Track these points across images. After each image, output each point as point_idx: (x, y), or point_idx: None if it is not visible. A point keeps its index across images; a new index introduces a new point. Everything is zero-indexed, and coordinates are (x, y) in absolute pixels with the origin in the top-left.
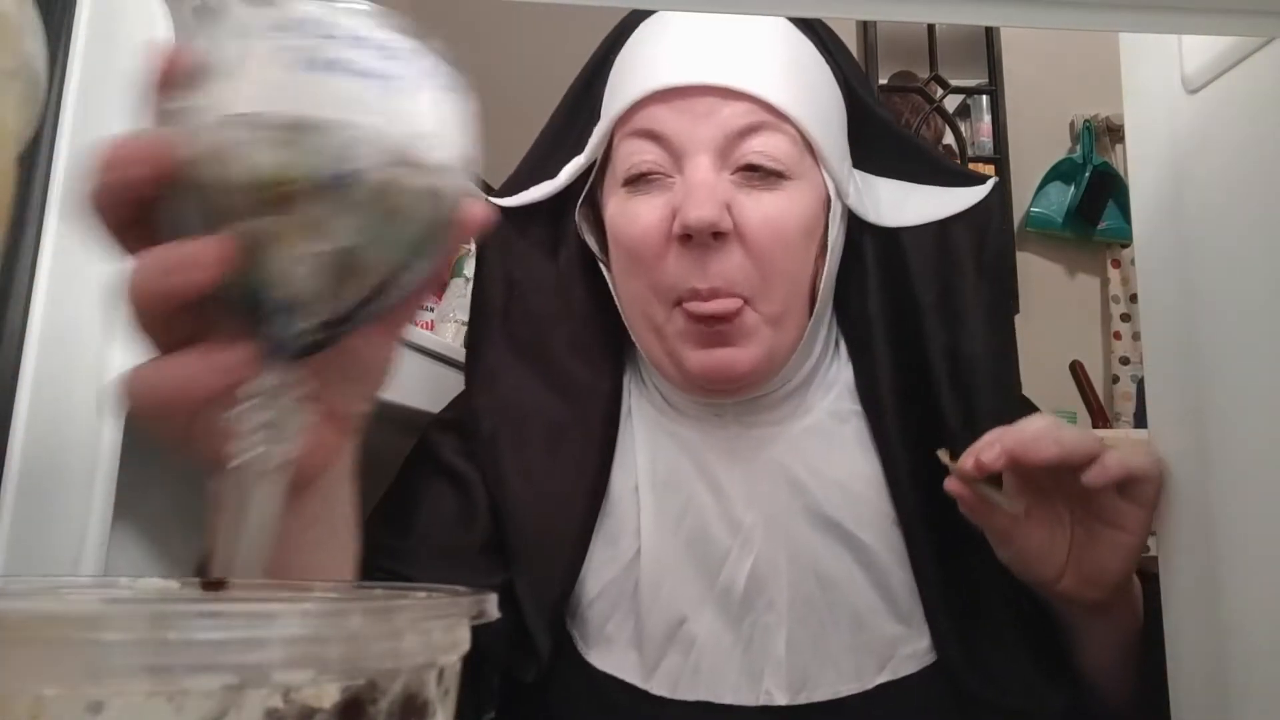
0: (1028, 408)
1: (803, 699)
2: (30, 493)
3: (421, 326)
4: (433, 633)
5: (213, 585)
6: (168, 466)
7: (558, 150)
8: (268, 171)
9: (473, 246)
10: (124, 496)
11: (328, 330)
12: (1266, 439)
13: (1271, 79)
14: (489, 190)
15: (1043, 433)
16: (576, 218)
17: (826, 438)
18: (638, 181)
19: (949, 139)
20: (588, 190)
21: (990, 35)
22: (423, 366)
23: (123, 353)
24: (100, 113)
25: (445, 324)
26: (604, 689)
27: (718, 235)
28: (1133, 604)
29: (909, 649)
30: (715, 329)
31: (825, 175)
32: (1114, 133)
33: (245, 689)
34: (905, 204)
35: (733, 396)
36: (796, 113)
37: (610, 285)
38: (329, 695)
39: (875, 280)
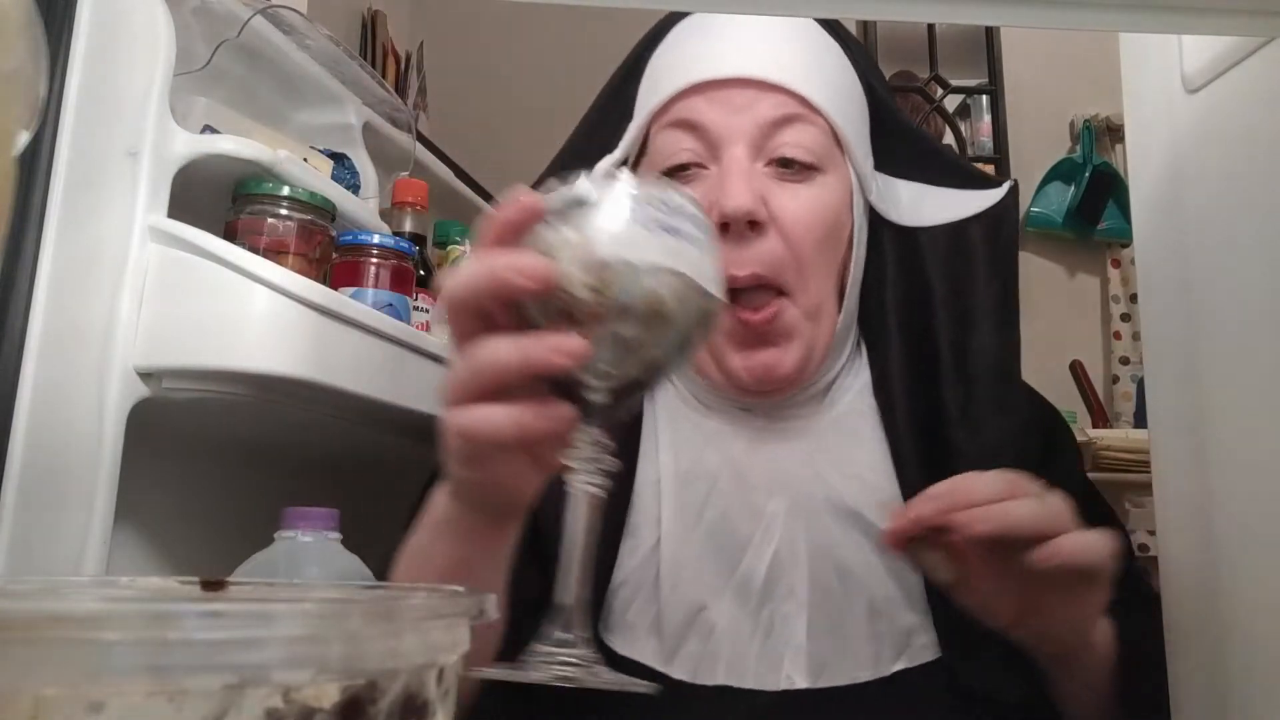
0: (1033, 399)
1: (823, 683)
2: (32, 493)
3: (418, 328)
4: (433, 633)
5: (213, 585)
6: (168, 467)
7: (590, 149)
8: (637, 297)
9: (467, 247)
10: (125, 496)
11: (617, 398)
12: (1266, 438)
13: (1271, 79)
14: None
15: (991, 506)
16: None
17: (849, 432)
18: (675, 173)
19: (949, 139)
20: None
21: (990, 35)
22: (419, 367)
23: (123, 353)
24: (100, 113)
25: (441, 325)
26: (625, 672)
27: (754, 225)
28: (1097, 653)
29: (925, 638)
30: (759, 331)
31: (851, 170)
32: (1114, 133)
33: (245, 689)
34: (923, 204)
35: (769, 398)
36: (828, 106)
37: None
38: (329, 695)
39: (892, 277)
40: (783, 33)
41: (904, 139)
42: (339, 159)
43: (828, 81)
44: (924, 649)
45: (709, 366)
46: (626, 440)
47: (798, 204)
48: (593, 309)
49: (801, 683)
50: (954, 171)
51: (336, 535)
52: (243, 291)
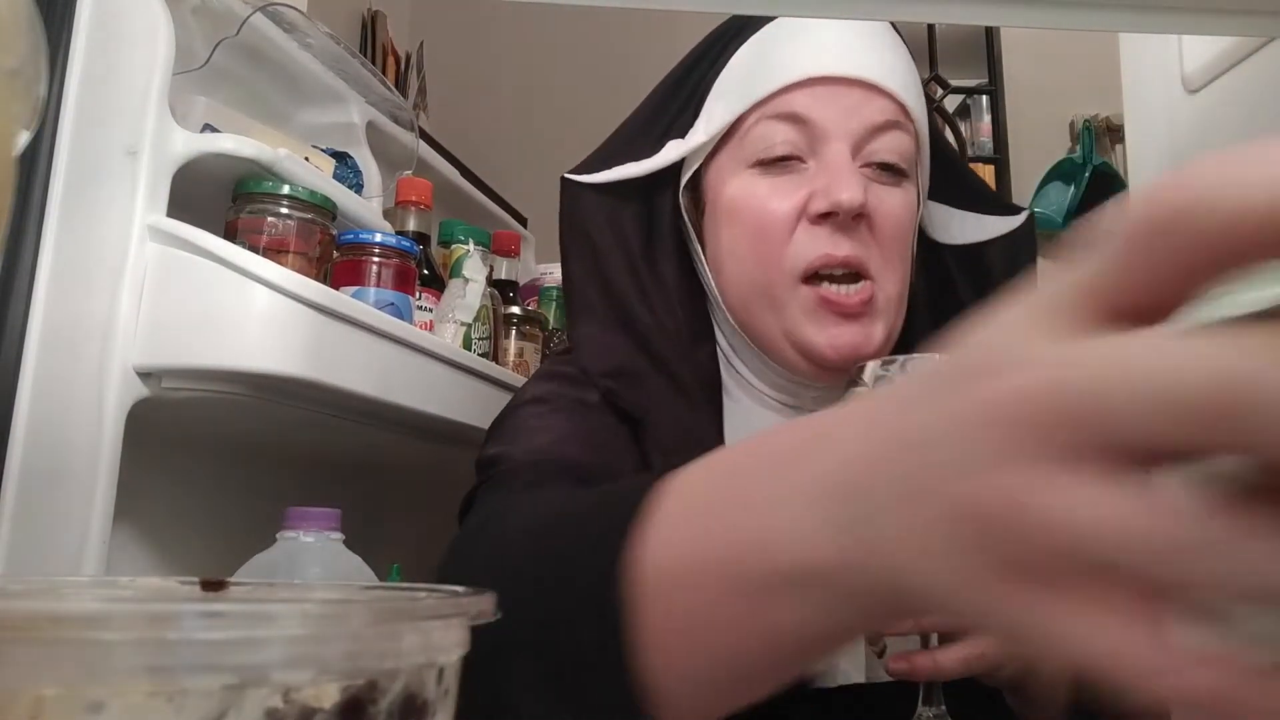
0: None
1: (871, 679)
2: (32, 493)
3: (422, 327)
4: (433, 633)
5: (213, 585)
6: (168, 467)
7: (649, 132)
8: None
9: (471, 246)
10: (125, 496)
11: None
12: None
13: (1271, 79)
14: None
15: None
16: (681, 198)
17: None
18: (772, 164)
19: (948, 139)
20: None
21: (990, 35)
22: (422, 367)
23: (122, 353)
24: (100, 112)
25: (445, 324)
26: None
27: (856, 217)
28: None
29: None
30: (850, 311)
31: (919, 182)
32: (1114, 133)
33: (245, 689)
34: (951, 225)
35: (840, 379)
36: (920, 118)
37: (702, 265)
38: (329, 695)
39: (925, 287)
40: (884, 39)
41: (943, 159)
42: (341, 158)
43: (916, 93)
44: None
45: (781, 344)
46: (711, 416)
47: (890, 205)
48: None
49: (856, 677)
50: (979, 196)
51: (338, 535)
52: (242, 291)
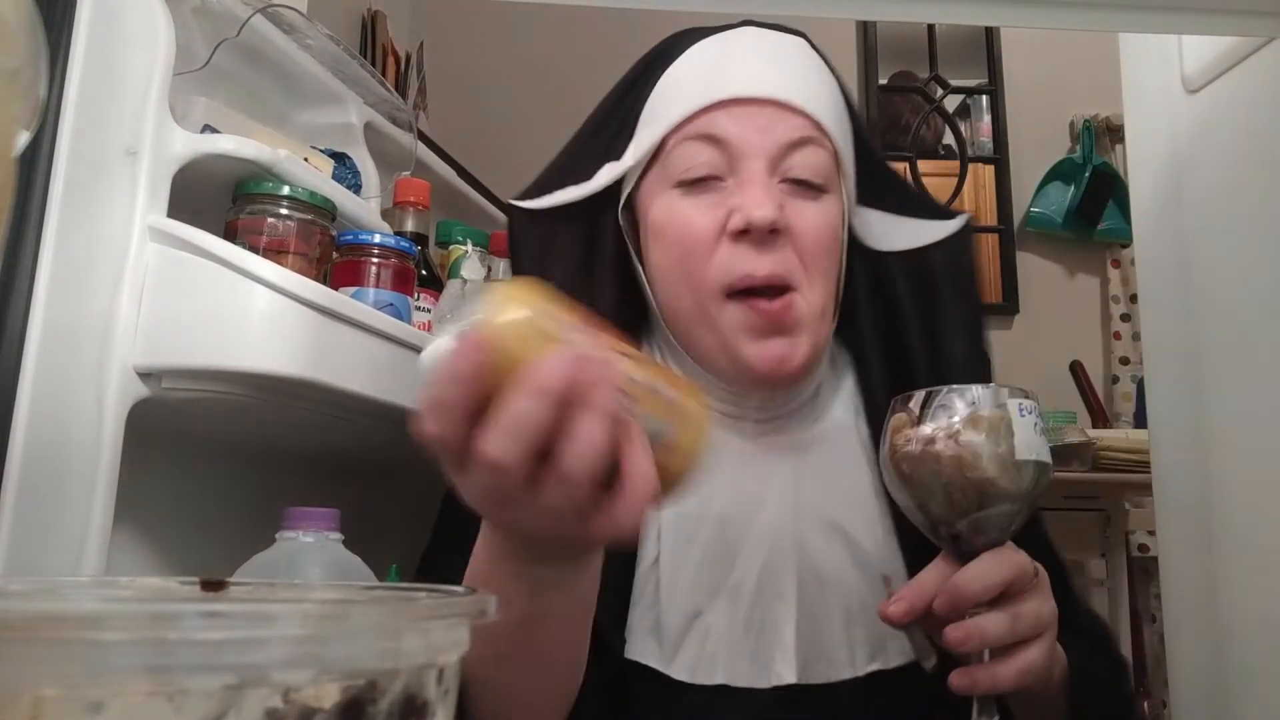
0: None
1: (808, 680)
2: (32, 492)
3: (420, 328)
4: (433, 633)
5: (213, 585)
6: (168, 467)
7: (587, 156)
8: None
9: (469, 247)
10: (125, 496)
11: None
12: (1266, 439)
13: (1271, 79)
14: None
15: (970, 626)
16: (620, 219)
17: (833, 446)
18: (693, 184)
19: (949, 139)
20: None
21: (990, 35)
22: (414, 366)
23: (122, 353)
24: (100, 112)
25: (443, 324)
26: (628, 674)
27: (773, 233)
28: (1053, 689)
29: (897, 644)
30: (775, 321)
31: (844, 194)
32: (1114, 133)
33: (245, 689)
34: (890, 232)
35: (773, 390)
36: (836, 132)
37: (645, 285)
38: (329, 695)
39: (865, 297)
40: (797, 60)
41: (876, 170)
42: (340, 158)
43: (834, 109)
44: (896, 654)
45: (718, 359)
46: None
47: (808, 219)
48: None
49: (790, 679)
50: (915, 203)
51: (338, 535)
52: (242, 291)
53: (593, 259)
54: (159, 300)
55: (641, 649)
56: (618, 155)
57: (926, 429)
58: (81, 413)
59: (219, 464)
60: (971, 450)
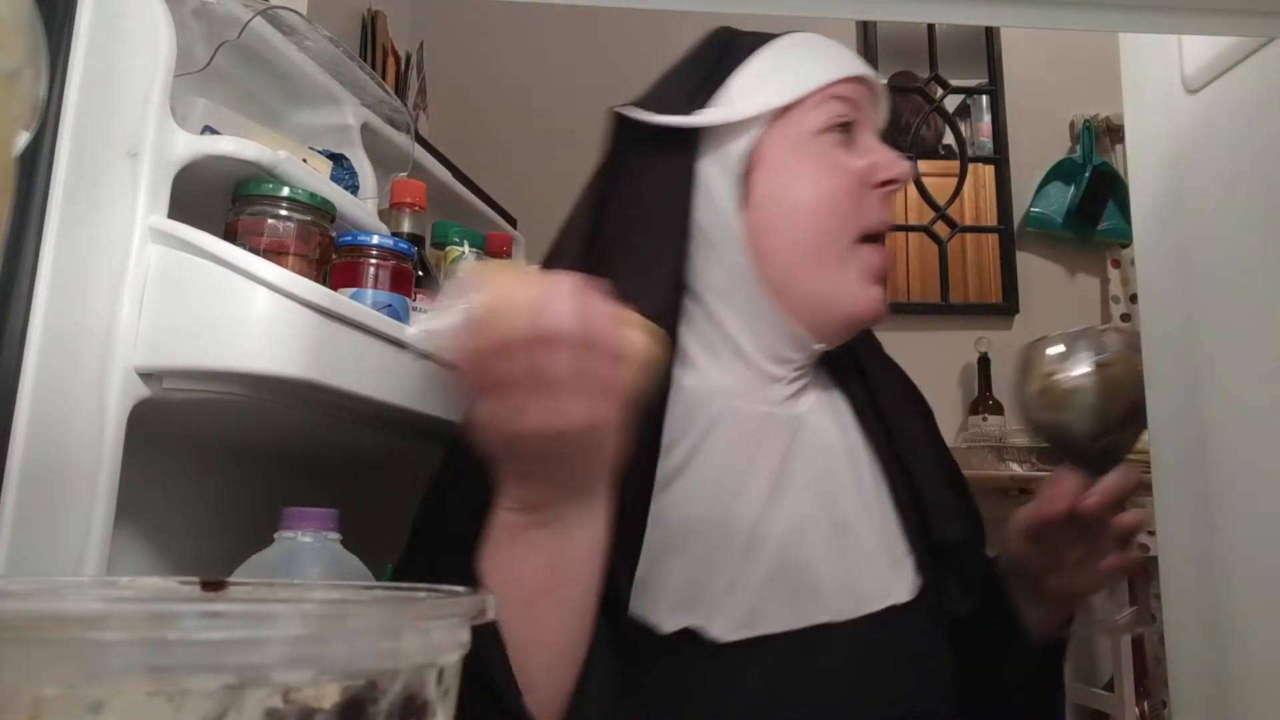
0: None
1: (842, 617)
2: (32, 493)
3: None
4: (433, 633)
5: (213, 585)
6: (169, 467)
7: (673, 104)
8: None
9: (466, 248)
10: (126, 496)
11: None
12: (1266, 439)
13: (1271, 79)
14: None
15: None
16: (749, 161)
17: (830, 407)
18: (837, 131)
19: (949, 139)
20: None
21: (990, 35)
22: (418, 367)
23: (123, 354)
24: (100, 113)
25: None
26: (672, 640)
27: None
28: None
29: (904, 581)
30: (882, 269)
31: None
32: (1114, 133)
33: (245, 689)
34: None
35: (847, 338)
36: None
37: (740, 230)
38: (329, 695)
39: None
40: None
41: None
42: (338, 159)
43: None
44: (904, 589)
45: (828, 302)
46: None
47: None
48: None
49: (821, 618)
50: None
51: (336, 536)
52: (243, 292)
53: (657, 199)
54: (160, 301)
55: (675, 615)
56: (698, 107)
57: (1078, 366)
58: (82, 413)
59: (219, 464)
60: (1118, 379)
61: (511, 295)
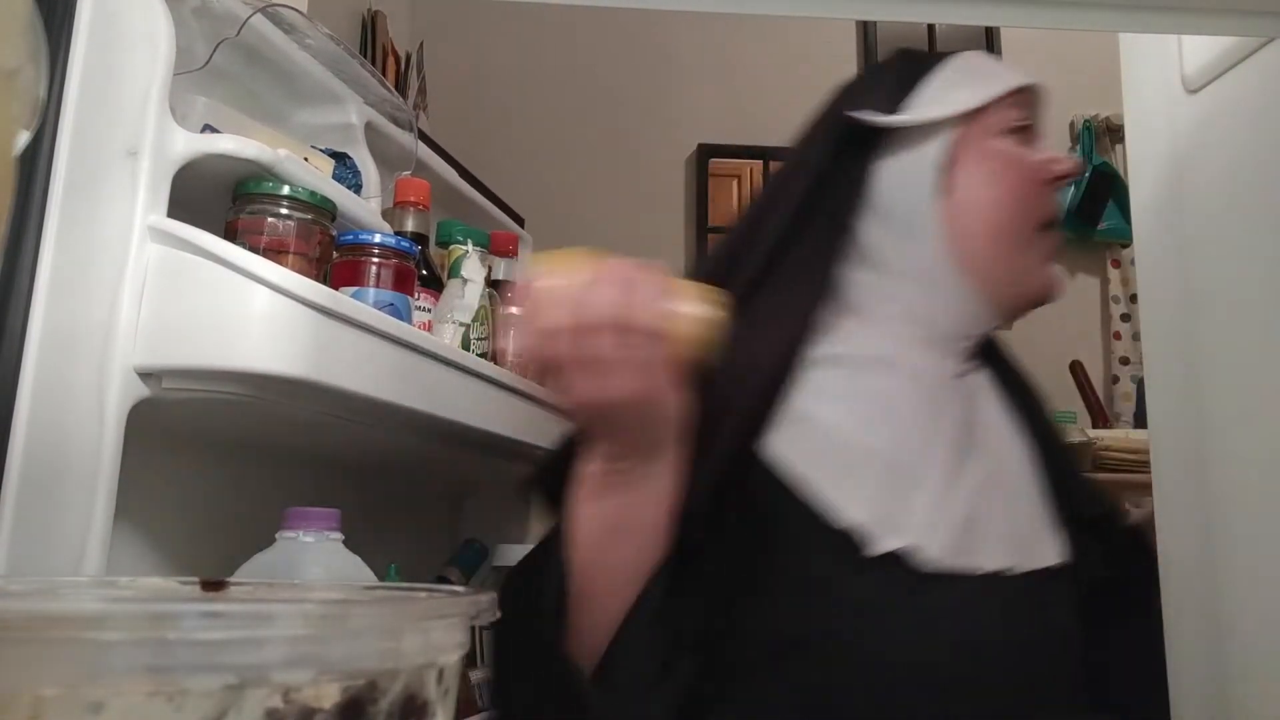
0: None
1: (1017, 569)
2: (32, 493)
3: (420, 328)
4: (433, 633)
5: (213, 585)
6: (169, 466)
7: (873, 106)
8: None
9: (469, 246)
10: (126, 496)
11: None
12: (1266, 439)
13: (1271, 79)
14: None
15: None
16: (949, 155)
17: (986, 385)
18: (1021, 135)
19: None
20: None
21: (990, 35)
22: (421, 367)
23: (122, 353)
24: (100, 113)
25: (444, 325)
26: (879, 566)
27: None
28: None
29: (1055, 546)
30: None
31: None
32: (1114, 133)
33: (245, 689)
34: None
35: (1023, 316)
36: None
37: (938, 216)
38: (329, 695)
39: None
40: None
41: None
42: (340, 158)
43: None
44: (1053, 554)
45: (1020, 283)
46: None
47: None
48: None
49: (989, 566)
50: None
51: (338, 535)
52: (243, 291)
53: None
54: (159, 300)
55: (884, 538)
56: (885, 110)
57: None
58: (82, 413)
59: (220, 463)
60: None
61: (559, 284)
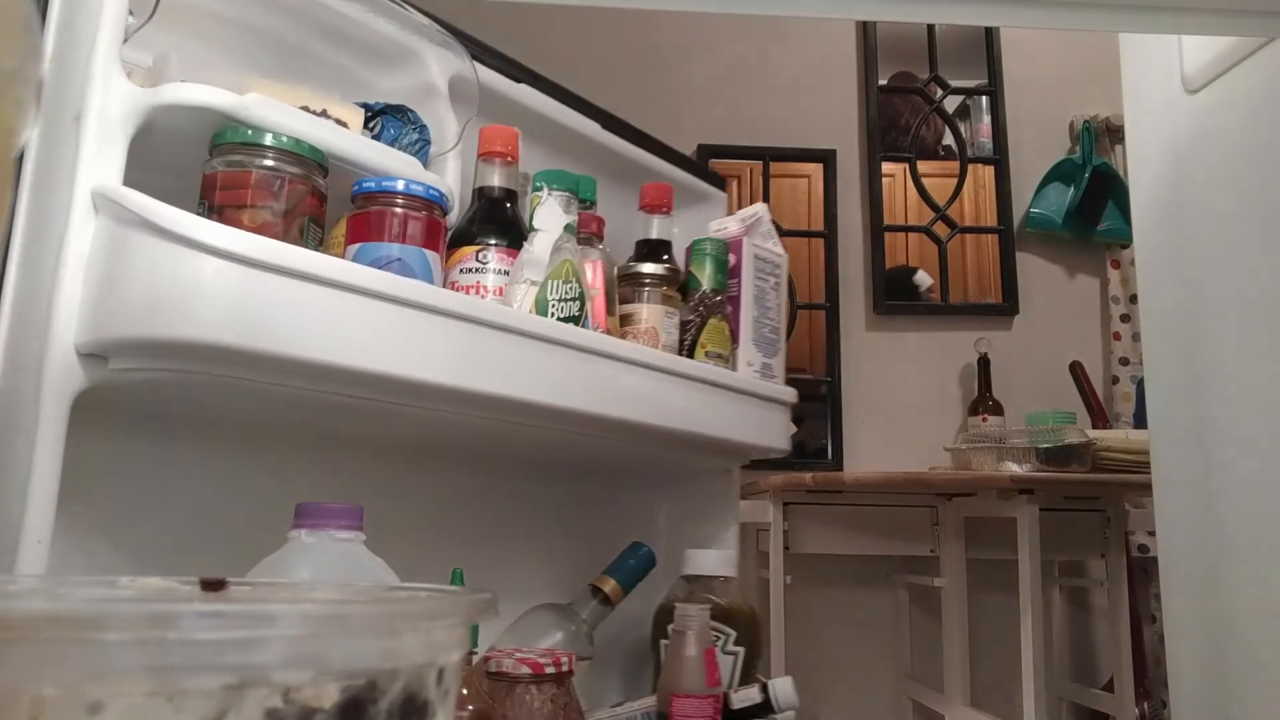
0: None
1: None
2: None
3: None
4: (433, 633)
5: (213, 585)
6: (168, 463)
7: None
8: None
9: (546, 191)
10: (78, 481)
11: None
12: (1265, 439)
13: (1271, 79)
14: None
15: None
16: None
17: None
18: None
19: (949, 140)
20: None
21: (990, 35)
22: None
23: (63, 331)
24: (61, 78)
25: (515, 286)
26: None
27: None
28: None
29: None
30: None
31: None
32: (1114, 133)
33: (245, 689)
34: None
35: None
36: None
37: None
38: (329, 695)
39: None
40: None
41: None
42: (395, 112)
43: None
44: None
45: None
46: None
47: None
48: None
49: None
50: None
51: (357, 535)
52: (176, 256)
53: None
54: (101, 271)
55: None
56: None
57: None
58: (27, 399)
59: (219, 457)
60: None
61: None
